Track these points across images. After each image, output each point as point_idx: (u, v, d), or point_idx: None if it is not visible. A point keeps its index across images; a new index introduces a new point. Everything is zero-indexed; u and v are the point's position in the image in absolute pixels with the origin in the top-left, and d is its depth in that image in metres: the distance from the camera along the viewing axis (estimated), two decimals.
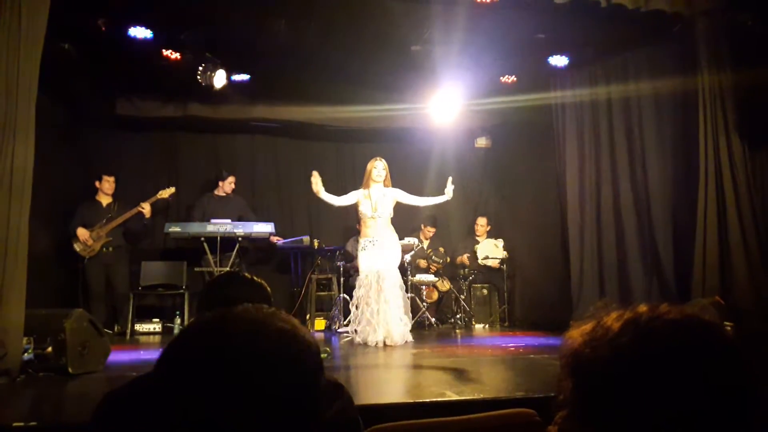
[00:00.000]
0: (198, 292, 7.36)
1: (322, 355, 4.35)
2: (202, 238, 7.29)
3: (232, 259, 7.33)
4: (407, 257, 7.34)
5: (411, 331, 6.28)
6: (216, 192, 7.94)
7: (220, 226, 7.34)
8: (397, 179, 6.50)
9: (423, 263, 8.18)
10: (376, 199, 6.29)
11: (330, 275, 8.04)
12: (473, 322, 8.14)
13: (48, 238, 6.79)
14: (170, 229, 7.35)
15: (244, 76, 7.33)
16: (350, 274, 8.04)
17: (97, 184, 7.25)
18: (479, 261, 8.39)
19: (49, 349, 4.22)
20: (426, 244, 8.38)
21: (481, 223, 8.68)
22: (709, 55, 6.05)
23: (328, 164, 9.12)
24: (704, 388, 0.77)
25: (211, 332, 0.83)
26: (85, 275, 7.00)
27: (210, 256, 7.24)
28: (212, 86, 6.90)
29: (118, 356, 4.97)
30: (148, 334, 7.30)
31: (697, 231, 5.95)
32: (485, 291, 8.42)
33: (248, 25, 6.20)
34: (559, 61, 7.09)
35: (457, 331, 7.73)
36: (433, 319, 7.86)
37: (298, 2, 5.92)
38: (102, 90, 7.54)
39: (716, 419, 0.76)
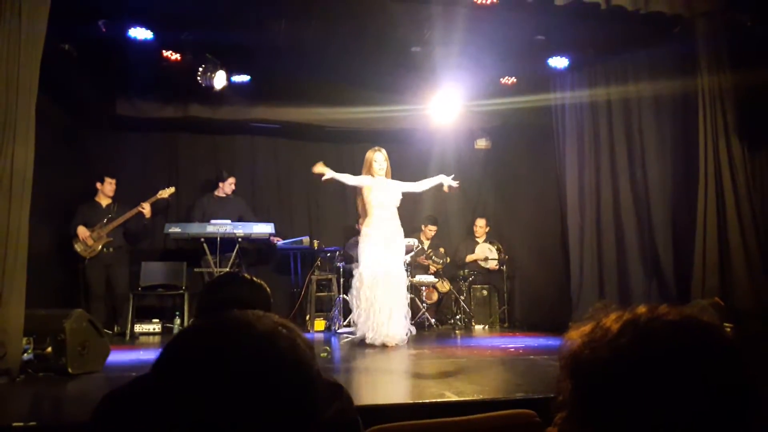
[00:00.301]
0: (198, 292, 7.34)
1: (322, 354, 4.35)
2: (202, 239, 7.29)
3: (231, 260, 7.33)
4: (407, 257, 7.33)
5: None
6: (216, 193, 7.93)
7: (220, 226, 7.33)
8: (395, 179, 6.47)
9: (423, 263, 8.18)
10: (384, 189, 6.19)
11: (330, 276, 8.04)
12: (473, 323, 8.14)
13: (48, 238, 6.79)
14: (170, 230, 7.35)
15: (244, 77, 7.34)
16: (350, 275, 8.04)
17: (98, 185, 7.25)
18: (479, 262, 8.40)
19: (49, 349, 4.22)
20: (426, 244, 8.37)
21: (480, 224, 8.68)
22: (708, 57, 6.06)
23: (327, 165, 9.07)
24: (703, 389, 0.77)
25: (209, 333, 0.83)
26: (85, 276, 7.00)
27: (210, 257, 7.24)
28: (212, 87, 6.91)
29: (117, 356, 4.97)
30: (148, 334, 7.29)
31: (696, 232, 5.95)
32: (485, 292, 8.42)
33: (248, 26, 6.20)
34: (558, 62, 7.10)
35: (457, 331, 7.73)
36: (432, 320, 7.86)
37: (298, 3, 5.92)
38: (102, 90, 7.55)
39: (715, 420, 0.76)
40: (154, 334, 7.32)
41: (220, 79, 6.91)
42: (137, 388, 1.40)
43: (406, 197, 6.47)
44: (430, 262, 8.19)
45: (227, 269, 7.12)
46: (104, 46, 6.38)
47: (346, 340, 6.36)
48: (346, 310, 7.58)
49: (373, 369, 4.85)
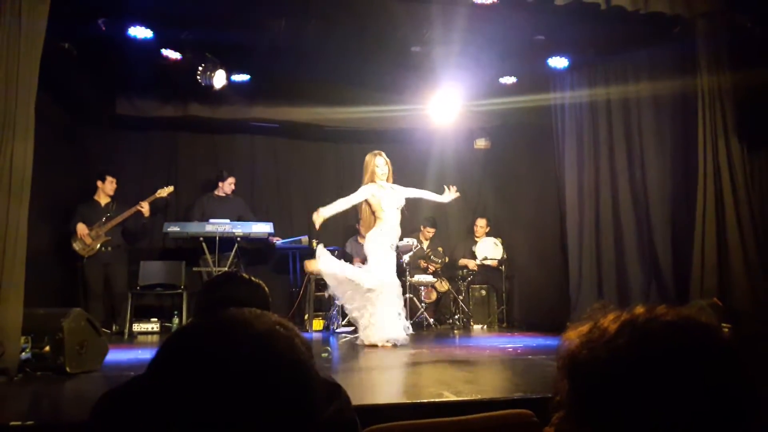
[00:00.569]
0: (196, 291, 7.36)
1: (323, 355, 4.35)
2: (201, 238, 7.29)
3: (230, 259, 7.33)
4: (406, 258, 7.34)
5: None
6: (216, 192, 7.94)
7: (219, 226, 7.34)
8: (395, 179, 6.47)
9: (422, 264, 8.18)
10: (390, 194, 6.12)
11: None
12: (471, 323, 8.15)
13: (47, 237, 6.79)
14: (169, 229, 7.35)
15: (244, 77, 7.34)
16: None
17: (99, 183, 7.25)
18: (478, 261, 8.39)
19: (47, 348, 4.21)
20: (425, 244, 8.38)
21: (481, 224, 8.68)
22: (708, 57, 6.05)
23: (326, 165, 9.14)
24: (701, 389, 0.77)
25: (206, 332, 0.83)
26: (83, 274, 7.01)
27: (208, 256, 7.24)
28: (212, 86, 6.90)
29: (116, 356, 4.97)
30: (146, 333, 7.29)
31: (695, 232, 5.95)
32: (484, 292, 8.43)
33: (248, 25, 6.20)
34: (558, 62, 7.10)
35: (456, 331, 7.74)
36: (431, 320, 7.87)
37: (298, 3, 5.92)
38: (102, 89, 7.55)
39: (713, 421, 0.76)
40: (152, 333, 7.32)
41: (219, 79, 6.91)
42: (135, 387, 1.40)
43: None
44: (428, 262, 8.20)
45: (226, 269, 7.13)
46: (104, 45, 6.38)
47: (344, 339, 6.36)
48: (345, 310, 7.58)
49: (371, 368, 4.85)
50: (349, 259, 8.11)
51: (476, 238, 8.65)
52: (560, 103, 7.44)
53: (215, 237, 7.25)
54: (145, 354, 5.55)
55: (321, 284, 8.09)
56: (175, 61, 6.65)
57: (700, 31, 6.03)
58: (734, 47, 5.96)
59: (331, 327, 7.52)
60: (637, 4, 5.58)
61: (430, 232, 8.43)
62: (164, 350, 0.82)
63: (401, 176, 6.48)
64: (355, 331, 6.90)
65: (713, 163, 5.99)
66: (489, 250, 8.40)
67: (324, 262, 6.05)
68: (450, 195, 6.40)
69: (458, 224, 9.23)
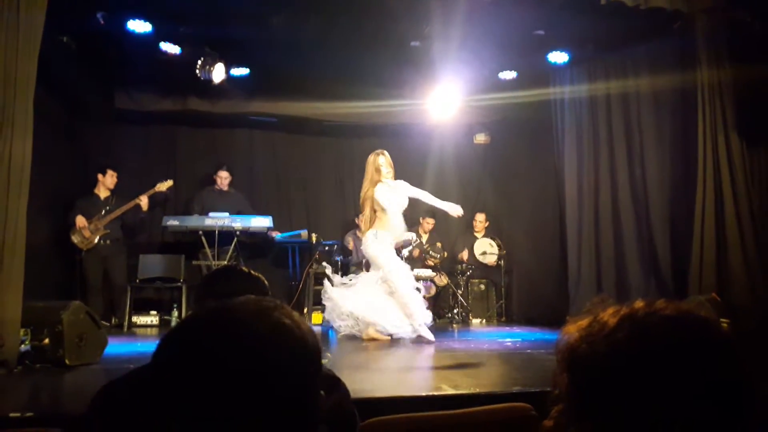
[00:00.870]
0: (195, 285, 7.36)
1: (323, 361, 4.36)
2: (200, 232, 7.29)
3: (229, 253, 7.33)
4: (405, 252, 7.34)
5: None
6: (215, 186, 7.93)
7: (218, 219, 7.33)
8: (395, 176, 6.47)
9: (415, 253, 8.19)
10: (395, 192, 6.13)
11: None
12: (470, 317, 8.16)
13: (46, 230, 6.78)
14: (168, 223, 7.36)
15: (243, 71, 7.33)
16: (348, 269, 8.05)
17: (99, 177, 7.24)
18: (477, 257, 8.41)
19: (47, 340, 4.22)
20: (425, 238, 8.38)
21: (480, 219, 8.68)
22: (708, 53, 6.05)
23: (326, 159, 9.13)
24: (699, 383, 0.77)
25: (209, 324, 0.83)
26: (82, 268, 7.00)
27: (208, 250, 7.24)
28: (211, 80, 6.89)
29: (115, 348, 4.98)
30: (146, 326, 7.30)
31: (694, 227, 5.96)
32: (483, 286, 8.44)
33: (247, 19, 6.18)
34: (558, 57, 7.08)
35: (455, 325, 7.75)
36: (430, 314, 7.87)
37: None
38: (101, 83, 7.53)
39: (711, 415, 0.77)
40: (151, 326, 7.33)
41: (218, 73, 6.90)
42: (135, 379, 1.41)
43: None
44: (427, 256, 8.21)
45: (225, 262, 7.13)
46: (103, 39, 6.36)
47: (343, 333, 6.36)
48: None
49: (370, 362, 4.86)
50: (347, 253, 8.12)
51: (475, 233, 8.65)
52: (560, 99, 7.44)
53: (214, 231, 7.24)
54: (144, 347, 5.56)
55: (320, 278, 8.12)
56: (174, 55, 6.64)
57: (700, 26, 6.03)
58: (734, 43, 5.96)
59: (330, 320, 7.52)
60: None
61: (429, 223, 8.42)
62: (166, 342, 0.82)
63: (400, 171, 6.47)
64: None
65: (713, 158, 5.99)
66: (486, 250, 8.43)
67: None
68: (455, 208, 6.30)
69: (457, 219, 9.20)
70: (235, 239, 7.38)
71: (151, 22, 6.19)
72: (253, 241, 8.23)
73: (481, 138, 9.21)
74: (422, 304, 6.04)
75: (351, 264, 8.10)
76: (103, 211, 7.09)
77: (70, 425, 2.14)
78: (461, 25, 6.01)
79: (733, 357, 0.81)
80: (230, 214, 7.53)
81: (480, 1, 5.70)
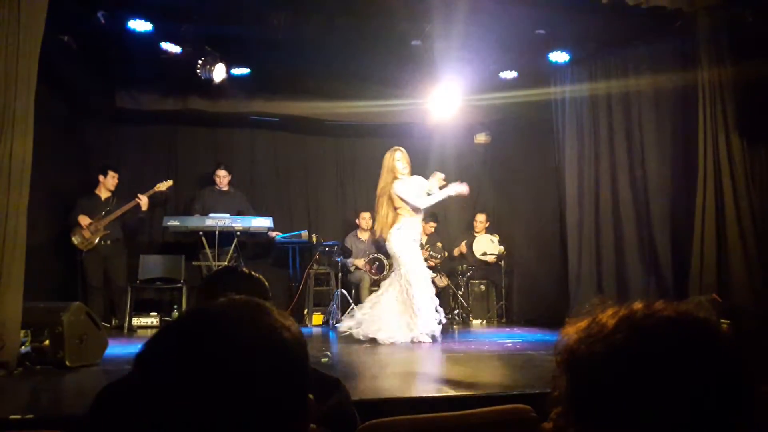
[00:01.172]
0: (196, 286, 7.37)
1: (323, 360, 4.35)
2: (201, 233, 7.29)
3: (230, 254, 7.33)
4: None
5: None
6: (216, 186, 7.93)
7: (219, 220, 7.33)
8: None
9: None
10: (413, 187, 6.15)
11: (328, 270, 8.04)
12: (471, 318, 8.15)
13: (46, 230, 6.78)
14: (169, 223, 7.35)
15: (244, 70, 7.32)
16: (348, 270, 8.05)
17: (101, 177, 7.24)
18: (477, 256, 8.40)
19: (47, 342, 4.22)
20: (424, 239, 8.38)
21: (480, 219, 8.67)
22: (709, 52, 6.05)
23: (327, 159, 9.13)
24: (699, 384, 0.77)
25: (190, 327, 0.82)
26: (83, 268, 7.00)
27: (208, 251, 7.24)
28: (212, 80, 6.88)
29: (115, 350, 4.97)
30: (146, 327, 7.29)
31: (695, 227, 5.95)
32: (483, 287, 8.43)
33: (248, 19, 6.18)
34: (559, 56, 7.08)
35: (455, 326, 7.74)
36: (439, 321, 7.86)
37: None
38: (101, 82, 7.53)
39: (711, 416, 0.76)
40: (152, 327, 7.32)
41: (219, 72, 6.89)
42: (126, 383, 1.40)
43: None
44: (428, 257, 8.19)
45: (225, 263, 7.12)
46: (104, 39, 6.36)
47: (344, 334, 6.36)
48: (345, 305, 7.59)
49: (370, 363, 4.86)
50: (348, 254, 8.12)
51: (475, 233, 8.65)
52: (561, 98, 7.43)
53: (215, 231, 7.24)
54: None
55: (320, 279, 8.12)
56: (175, 54, 6.63)
57: (701, 25, 6.02)
58: (735, 41, 5.95)
59: (331, 322, 7.52)
60: None
61: (432, 226, 8.42)
62: (148, 346, 0.81)
63: None
64: (356, 326, 6.93)
65: (713, 157, 5.99)
66: (486, 246, 8.41)
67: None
68: (460, 188, 6.28)
69: (458, 219, 9.22)
70: (236, 240, 7.38)
71: (151, 22, 6.19)
72: (253, 242, 8.23)
73: (481, 137, 9.20)
74: (429, 315, 5.95)
75: (350, 265, 8.10)
76: (104, 212, 7.09)
77: (71, 427, 2.14)
78: (462, 24, 6.01)
79: (732, 358, 0.80)
80: (231, 214, 7.53)
81: (481, 1, 5.70)
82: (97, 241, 7.00)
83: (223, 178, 7.86)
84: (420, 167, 8.34)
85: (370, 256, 7.86)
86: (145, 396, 0.77)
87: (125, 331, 7.01)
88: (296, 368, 0.81)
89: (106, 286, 7.17)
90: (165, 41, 6.54)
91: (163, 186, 7.41)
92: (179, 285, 7.54)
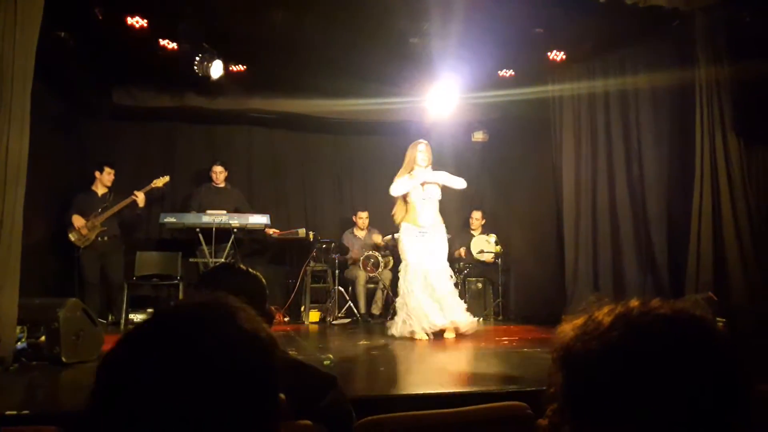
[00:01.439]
0: (192, 282, 7.37)
1: (325, 362, 4.34)
2: (198, 229, 7.28)
3: (227, 251, 7.32)
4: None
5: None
6: (213, 183, 7.92)
7: (216, 217, 7.33)
8: (393, 172, 6.47)
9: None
10: (414, 181, 6.17)
11: (325, 267, 8.05)
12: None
13: (43, 227, 6.77)
14: (165, 220, 7.34)
15: (241, 67, 7.31)
16: (345, 266, 8.05)
17: (97, 174, 7.22)
18: (474, 255, 8.40)
19: (43, 338, 4.22)
20: None
21: (476, 216, 8.67)
22: (706, 51, 6.05)
23: (324, 156, 9.13)
24: (694, 382, 0.77)
25: (150, 332, 0.81)
26: (79, 265, 6.98)
27: (205, 247, 7.23)
28: (209, 77, 6.87)
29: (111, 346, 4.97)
30: None
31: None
32: (480, 285, 8.43)
33: (246, 15, 6.17)
34: (557, 55, 7.08)
35: None
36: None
37: None
38: (98, 79, 7.50)
39: (707, 414, 0.77)
40: None
41: (216, 69, 6.88)
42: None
43: None
44: None
45: (222, 260, 7.12)
46: (101, 35, 6.34)
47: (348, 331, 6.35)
48: (342, 302, 7.60)
49: (366, 360, 4.86)
50: (344, 251, 8.12)
51: (472, 231, 8.65)
52: (558, 96, 7.44)
53: (212, 228, 7.24)
54: None
55: (317, 276, 8.12)
56: (172, 51, 6.62)
57: (699, 24, 6.03)
58: (732, 41, 5.96)
59: (328, 319, 7.53)
60: None
61: None
62: (110, 355, 0.81)
63: (398, 169, 6.46)
64: (355, 323, 6.95)
65: (710, 156, 6.00)
66: (483, 246, 8.42)
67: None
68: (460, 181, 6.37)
69: (454, 217, 9.20)
70: (233, 237, 7.38)
71: (148, 18, 6.17)
72: (250, 239, 8.22)
73: (479, 136, 9.20)
74: (426, 311, 5.93)
75: (349, 262, 8.10)
76: (100, 209, 7.08)
77: (67, 423, 2.14)
78: (460, 22, 6.01)
79: (728, 356, 0.81)
80: (228, 211, 7.53)
81: None
82: (93, 237, 6.99)
83: (219, 174, 7.84)
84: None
85: (366, 254, 7.86)
86: (106, 406, 0.76)
87: (122, 327, 7.00)
88: (262, 369, 0.80)
89: (103, 282, 7.16)
90: (162, 38, 6.52)
91: (160, 182, 7.41)
92: (176, 282, 7.55)
